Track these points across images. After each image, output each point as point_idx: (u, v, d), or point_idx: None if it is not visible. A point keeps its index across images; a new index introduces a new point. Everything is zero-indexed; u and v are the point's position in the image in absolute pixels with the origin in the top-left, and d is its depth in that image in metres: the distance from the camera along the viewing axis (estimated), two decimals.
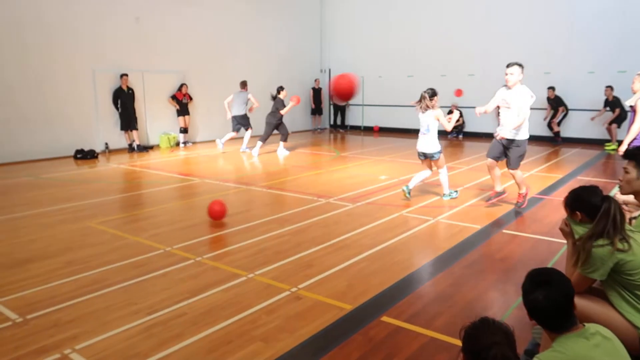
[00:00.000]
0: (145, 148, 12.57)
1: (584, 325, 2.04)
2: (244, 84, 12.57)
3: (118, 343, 3.15)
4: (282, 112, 11.71)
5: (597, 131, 13.32)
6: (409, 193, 6.85)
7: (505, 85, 6.03)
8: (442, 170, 6.88)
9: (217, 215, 5.83)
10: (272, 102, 12.03)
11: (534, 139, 13.09)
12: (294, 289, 3.97)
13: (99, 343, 3.15)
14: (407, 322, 3.40)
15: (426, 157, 6.83)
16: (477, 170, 9.57)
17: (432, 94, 6.62)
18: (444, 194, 6.99)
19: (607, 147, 12.38)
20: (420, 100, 6.65)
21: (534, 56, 13.81)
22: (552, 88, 13.47)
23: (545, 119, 13.82)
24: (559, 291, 2.00)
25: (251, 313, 3.55)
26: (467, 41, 15.26)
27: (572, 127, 13.80)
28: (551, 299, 1.98)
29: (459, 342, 3.09)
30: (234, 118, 12.28)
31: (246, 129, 12.44)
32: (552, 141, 13.73)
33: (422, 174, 7.01)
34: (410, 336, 3.22)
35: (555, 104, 13.59)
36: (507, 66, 5.96)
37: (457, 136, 15.26)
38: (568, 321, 2.01)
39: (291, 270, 4.39)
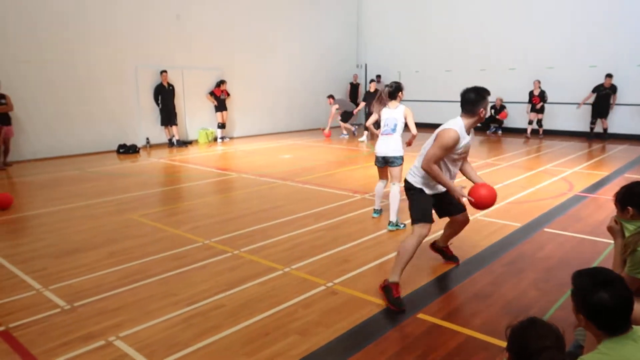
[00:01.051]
0: (184, 143, 12.87)
1: (632, 328, 1.97)
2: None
3: (159, 332, 3.25)
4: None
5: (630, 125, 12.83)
6: (379, 212, 5.90)
7: None
8: (395, 185, 5.46)
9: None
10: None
11: (577, 135, 12.72)
12: (329, 284, 3.99)
13: (141, 332, 3.26)
14: (444, 320, 3.36)
15: (386, 163, 5.58)
16: (516, 167, 9.34)
17: (398, 87, 5.50)
18: (389, 223, 5.40)
19: None
20: (381, 96, 5.59)
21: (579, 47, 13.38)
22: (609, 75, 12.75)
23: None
24: (624, 290, 1.93)
25: (288, 306, 3.59)
26: (506, 34, 14.86)
27: (620, 122, 13.25)
28: (618, 298, 1.90)
29: (497, 342, 3.05)
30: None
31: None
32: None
33: (380, 187, 5.84)
34: (447, 334, 3.18)
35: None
36: None
37: (495, 131, 14.88)
38: (627, 323, 1.93)
39: (327, 265, 4.41)
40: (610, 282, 1.93)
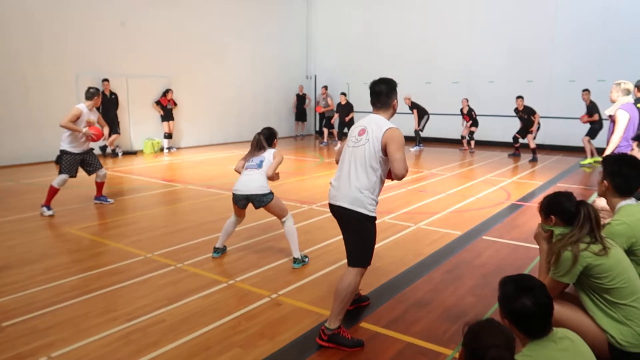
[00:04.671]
0: (114, 152, 12.50)
1: (553, 330, 2.10)
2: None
3: (96, 350, 3.13)
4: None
5: (578, 139, 13.53)
6: (220, 251, 5.00)
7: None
8: (288, 220, 4.73)
9: None
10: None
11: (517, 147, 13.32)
12: (274, 295, 3.98)
13: (76, 350, 3.13)
14: (385, 328, 3.43)
15: (248, 202, 4.68)
16: (458, 177, 9.69)
17: (273, 133, 4.97)
18: (294, 259, 4.69)
19: (582, 163, 11.29)
20: (257, 144, 4.87)
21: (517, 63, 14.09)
22: (521, 97, 12.21)
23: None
24: (544, 296, 2.06)
25: (231, 319, 3.55)
26: (451, 48, 15.46)
27: (554, 134, 14.03)
28: (539, 304, 2.03)
29: (435, 347, 3.15)
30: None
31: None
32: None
33: (231, 223, 4.96)
34: (387, 342, 3.25)
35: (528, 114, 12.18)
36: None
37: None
38: (548, 326, 2.07)
39: (272, 277, 4.40)
40: (530, 288, 2.06)
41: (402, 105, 14.33)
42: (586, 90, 11.70)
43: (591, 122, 11.61)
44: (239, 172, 4.87)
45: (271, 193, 4.66)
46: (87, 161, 6.92)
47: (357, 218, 3.17)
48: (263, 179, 4.65)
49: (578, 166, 11.10)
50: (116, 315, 3.62)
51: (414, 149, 13.83)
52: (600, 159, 10.85)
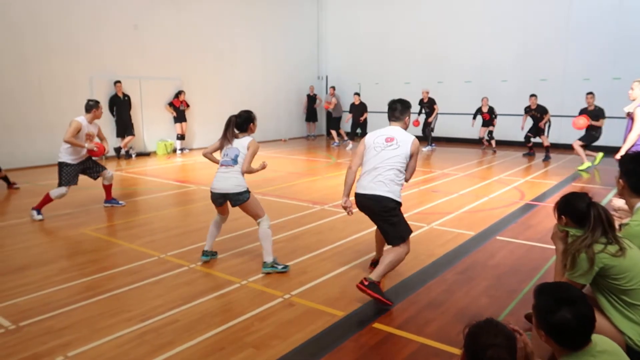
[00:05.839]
0: (129, 155, 12.60)
1: (592, 342, 1.96)
2: None
3: (110, 350, 3.16)
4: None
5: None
6: (209, 255, 4.83)
7: None
8: (264, 222, 4.56)
9: None
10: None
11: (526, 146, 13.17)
12: (287, 296, 3.99)
13: (91, 350, 3.16)
14: (398, 329, 3.42)
15: (225, 201, 4.57)
16: (471, 177, 9.62)
17: (249, 117, 4.61)
18: (264, 263, 4.51)
19: (580, 168, 10.43)
20: (227, 129, 4.56)
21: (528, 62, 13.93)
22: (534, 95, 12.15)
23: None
24: (586, 308, 1.92)
25: (244, 320, 3.56)
26: (462, 48, 15.36)
27: (569, 133, 13.84)
28: (581, 317, 1.90)
29: (449, 348, 3.13)
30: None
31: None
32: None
33: (216, 224, 4.85)
34: (401, 343, 3.24)
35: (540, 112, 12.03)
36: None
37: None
38: (588, 339, 1.94)
39: (285, 277, 4.41)
40: (572, 301, 1.92)
41: (415, 102, 14.31)
42: (590, 94, 10.66)
43: (591, 128, 10.37)
44: (208, 158, 4.72)
45: (247, 192, 4.47)
46: (88, 168, 6.86)
47: (390, 205, 3.85)
48: (239, 178, 4.45)
49: (593, 165, 10.93)
50: (130, 315, 3.65)
51: (426, 149, 13.75)
52: (602, 155, 10.57)
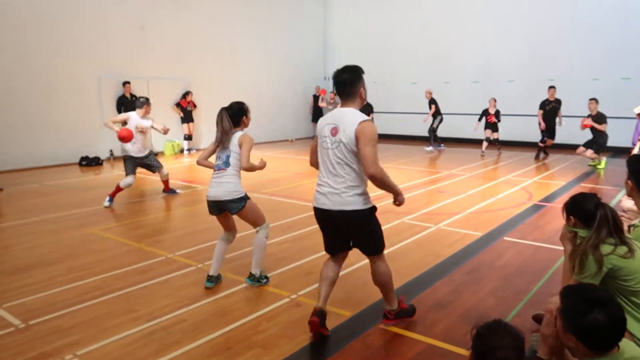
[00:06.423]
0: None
1: (619, 348, 1.91)
2: None
3: (118, 349, 3.18)
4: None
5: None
6: (214, 281, 4.23)
7: None
8: (262, 230, 4.23)
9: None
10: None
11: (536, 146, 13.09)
12: (294, 296, 3.99)
13: (99, 349, 3.18)
14: (405, 329, 3.41)
15: (222, 211, 4.12)
16: (478, 177, 9.58)
17: (241, 109, 4.14)
18: (251, 275, 4.21)
19: (599, 167, 10.47)
20: (221, 124, 4.12)
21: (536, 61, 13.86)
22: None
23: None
24: (617, 308, 1.87)
25: (251, 319, 3.57)
26: (468, 48, 15.30)
27: (577, 133, 13.75)
28: (614, 319, 1.84)
29: (455, 349, 3.12)
30: None
31: None
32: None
33: (222, 246, 4.31)
34: (407, 343, 3.23)
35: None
36: None
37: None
38: (620, 340, 1.88)
39: (292, 277, 4.41)
40: (603, 303, 1.86)
41: (420, 103, 14.27)
42: (593, 100, 10.58)
43: (596, 135, 10.45)
44: (204, 165, 4.26)
45: (244, 199, 4.02)
46: (148, 164, 7.62)
47: (358, 216, 3.14)
48: (233, 182, 4.00)
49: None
50: (138, 315, 3.66)
51: (428, 149, 13.68)
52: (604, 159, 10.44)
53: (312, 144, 3.39)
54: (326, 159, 3.16)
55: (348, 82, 3.12)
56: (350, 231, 3.26)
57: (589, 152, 10.49)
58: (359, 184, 3.14)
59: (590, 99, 10.70)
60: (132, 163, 7.39)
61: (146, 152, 7.53)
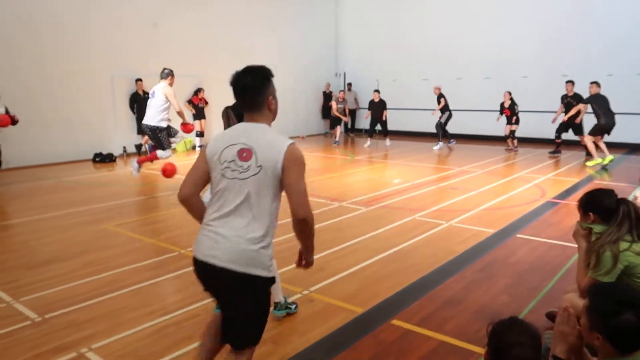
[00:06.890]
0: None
1: None
2: None
3: (132, 343, 3.22)
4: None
5: (617, 134, 12.97)
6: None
7: None
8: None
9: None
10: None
11: (551, 143, 12.95)
12: (305, 292, 4.01)
13: (114, 342, 3.23)
14: (417, 326, 3.41)
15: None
16: (491, 174, 9.52)
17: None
18: (277, 305, 3.55)
19: (588, 164, 10.29)
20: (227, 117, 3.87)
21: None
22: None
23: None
24: None
25: None
26: (481, 43, 15.17)
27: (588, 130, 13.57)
28: None
29: (467, 346, 3.12)
30: None
31: None
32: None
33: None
34: (420, 339, 3.23)
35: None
36: None
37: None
38: None
39: (303, 273, 4.42)
40: (635, 304, 1.83)
41: (432, 99, 14.18)
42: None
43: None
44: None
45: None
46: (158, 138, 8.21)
47: (253, 283, 2.21)
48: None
49: (617, 162, 10.68)
50: (151, 309, 3.71)
51: (436, 148, 13.44)
52: (612, 157, 10.13)
53: (190, 172, 2.48)
54: (225, 193, 2.25)
55: (251, 88, 2.26)
56: (232, 301, 2.29)
57: (587, 138, 10.29)
58: (267, 232, 2.31)
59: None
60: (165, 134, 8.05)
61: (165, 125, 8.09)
